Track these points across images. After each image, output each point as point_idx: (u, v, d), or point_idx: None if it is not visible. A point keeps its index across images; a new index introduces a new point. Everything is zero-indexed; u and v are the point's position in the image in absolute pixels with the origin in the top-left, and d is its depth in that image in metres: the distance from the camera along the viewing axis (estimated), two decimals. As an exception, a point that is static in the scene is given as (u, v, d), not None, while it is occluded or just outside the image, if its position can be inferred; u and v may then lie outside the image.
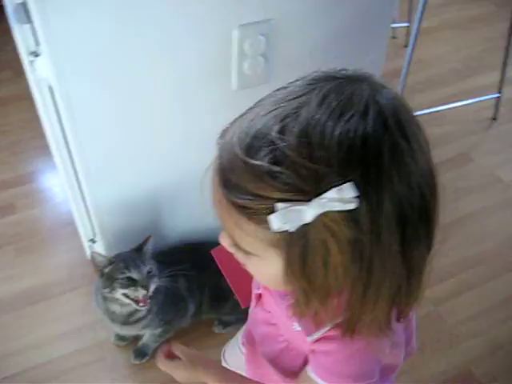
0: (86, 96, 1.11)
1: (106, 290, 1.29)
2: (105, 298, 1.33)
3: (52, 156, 1.41)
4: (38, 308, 1.66)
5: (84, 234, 1.54)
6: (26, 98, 2.36)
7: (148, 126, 1.24)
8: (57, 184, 2.08)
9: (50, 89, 1.11)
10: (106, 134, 1.21)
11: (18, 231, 1.89)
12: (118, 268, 1.27)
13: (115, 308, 1.33)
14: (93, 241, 1.54)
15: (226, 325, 1.54)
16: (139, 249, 1.32)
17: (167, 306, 1.38)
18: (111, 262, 1.29)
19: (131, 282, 1.26)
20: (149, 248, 1.33)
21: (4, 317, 1.64)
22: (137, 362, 1.51)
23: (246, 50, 1.19)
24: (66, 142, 1.23)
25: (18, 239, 1.87)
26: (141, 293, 1.26)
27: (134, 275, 1.26)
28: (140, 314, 1.34)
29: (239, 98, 1.28)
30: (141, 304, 1.27)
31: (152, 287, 1.28)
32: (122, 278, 1.26)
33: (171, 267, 1.34)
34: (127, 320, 1.35)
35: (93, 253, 1.29)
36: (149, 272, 1.28)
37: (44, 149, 2.06)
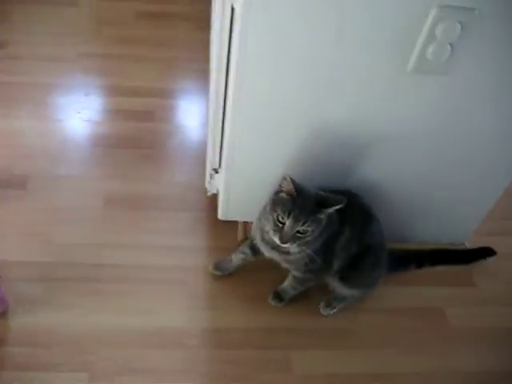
0: (265, 32, 1.11)
1: (264, 210, 1.33)
2: (262, 215, 1.36)
3: (204, 82, 1.43)
4: (144, 214, 1.74)
5: (211, 161, 1.56)
6: (193, 20, 2.49)
7: (308, 88, 1.23)
8: (199, 109, 2.14)
9: (233, 10, 1.11)
10: (269, 77, 1.21)
11: (149, 138, 1.98)
12: (281, 203, 1.24)
13: (267, 229, 1.31)
14: (216, 171, 1.56)
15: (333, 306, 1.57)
16: (321, 204, 1.24)
17: (319, 255, 1.35)
18: (288, 193, 1.24)
19: (278, 227, 1.25)
20: (328, 212, 1.25)
21: (112, 211, 1.74)
22: (272, 303, 1.56)
23: (436, 33, 1.11)
24: (227, 70, 1.24)
25: (147, 145, 1.95)
26: (276, 239, 1.25)
27: (286, 224, 1.23)
28: (287, 249, 1.33)
29: (411, 81, 1.22)
30: (282, 244, 1.25)
31: (292, 248, 1.28)
32: (276, 215, 1.25)
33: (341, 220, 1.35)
34: (277, 246, 1.31)
35: (287, 175, 1.23)
36: (300, 233, 1.24)
37: (199, 73, 2.16)
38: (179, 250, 1.66)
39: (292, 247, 1.27)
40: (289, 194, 1.24)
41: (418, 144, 1.40)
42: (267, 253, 1.40)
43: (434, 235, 1.73)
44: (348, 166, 1.46)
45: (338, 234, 1.38)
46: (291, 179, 1.23)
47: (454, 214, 1.67)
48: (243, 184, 1.50)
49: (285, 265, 1.44)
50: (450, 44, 1.13)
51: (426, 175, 1.51)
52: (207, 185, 1.66)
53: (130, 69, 2.22)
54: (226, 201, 1.56)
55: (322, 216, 1.25)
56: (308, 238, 1.26)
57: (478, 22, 1.10)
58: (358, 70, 1.20)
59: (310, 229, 1.24)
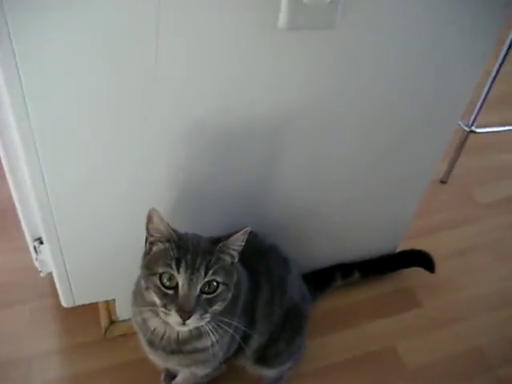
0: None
1: (137, 294, 0.88)
2: (138, 301, 0.88)
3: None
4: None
5: (29, 229, 1.05)
6: None
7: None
8: None
9: None
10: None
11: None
12: (160, 257, 0.79)
13: (154, 322, 0.85)
14: (41, 241, 1.06)
15: None
16: (216, 241, 0.82)
17: (238, 330, 0.90)
18: (164, 239, 0.81)
19: (167, 296, 0.78)
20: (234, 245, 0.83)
21: None
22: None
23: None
24: None
25: None
26: (174, 318, 0.77)
27: (180, 283, 0.77)
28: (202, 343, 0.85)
29: (287, 42, 0.80)
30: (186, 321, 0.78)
31: (198, 321, 0.79)
32: (158, 279, 0.78)
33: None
34: (177, 344, 0.86)
35: (152, 210, 0.79)
36: (207, 291, 0.79)
37: None
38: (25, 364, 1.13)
39: (202, 320, 0.78)
40: (166, 239, 0.80)
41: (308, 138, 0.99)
42: (163, 361, 0.91)
43: (362, 250, 1.34)
44: (231, 194, 1.02)
45: (254, 294, 0.93)
46: (159, 216, 0.79)
47: (378, 225, 1.29)
48: (83, 252, 1.01)
49: (192, 370, 0.95)
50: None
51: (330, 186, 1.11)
52: (36, 263, 1.14)
53: None
54: (65, 280, 1.05)
55: (227, 256, 0.82)
56: (221, 301, 0.80)
57: None
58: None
59: (219, 279, 0.79)
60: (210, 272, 0.78)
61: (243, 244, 0.82)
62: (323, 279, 1.28)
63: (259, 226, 0.97)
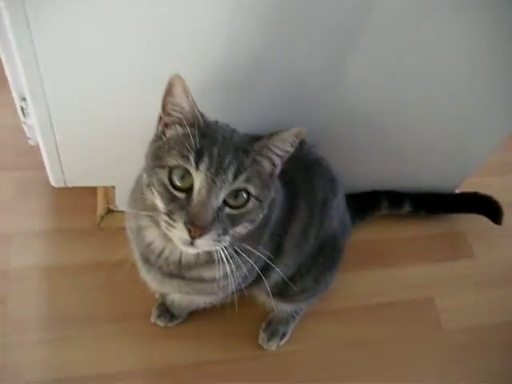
0: None
1: (136, 193, 0.66)
2: (137, 201, 0.65)
3: None
4: None
5: (15, 86, 0.82)
6: None
7: None
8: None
9: None
10: None
11: None
12: (176, 144, 0.58)
13: (151, 234, 0.65)
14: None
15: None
16: (255, 139, 0.60)
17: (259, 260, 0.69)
18: (185, 122, 0.58)
19: (176, 201, 0.57)
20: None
21: None
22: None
23: None
24: None
25: None
26: (179, 233, 0.56)
27: (196, 185, 0.56)
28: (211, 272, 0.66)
29: None
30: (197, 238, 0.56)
31: (212, 244, 0.57)
32: (168, 174, 0.57)
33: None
34: (178, 266, 0.66)
35: (175, 76, 0.56)
36: (232, 205, 0.58)
37: None
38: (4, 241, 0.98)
39: (217, 244, 0.57)
40: (188, 122, 0.58)
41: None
42: (157, 284, 0.71)
43: (417, 181, 1.10)
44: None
45: (288, 219, 0.72)
46: (183, 86, 0.56)
47: (443, 156, 1.04)
48: (77, 124, 0.79)
49: (192, 298, 0.78)
50: None
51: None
52: (25, 128, 0.93)
53: None
54: (53, 154, 0.84)
55: (267, 162, 0.60)
56: (247, 223, 0.59)
57: None
58: None
59: (251, 190, 0.58)
60: (242, 177, 0.56)
61: (291, 150, 0.59)
62: (366, 204, 1.06)
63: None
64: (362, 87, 0.81)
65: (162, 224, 0.57)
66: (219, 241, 0.56)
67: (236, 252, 0.61)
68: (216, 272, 0.62)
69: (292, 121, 0.61)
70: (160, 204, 0.57)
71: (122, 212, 1.00)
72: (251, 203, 0.58)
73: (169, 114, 0.58)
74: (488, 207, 1.10)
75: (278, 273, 0.73)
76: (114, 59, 0.68)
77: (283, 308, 0.90)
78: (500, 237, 1.15)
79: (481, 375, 0.98)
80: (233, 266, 0.60)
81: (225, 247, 0.58)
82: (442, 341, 1.02)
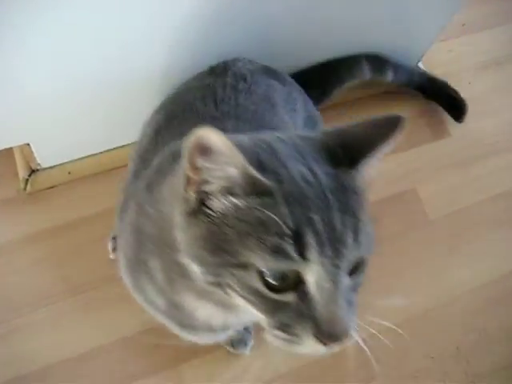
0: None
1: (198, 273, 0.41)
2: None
3: None
4: None
5: None
6: None
7: None
8: None
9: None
10: None
11: None
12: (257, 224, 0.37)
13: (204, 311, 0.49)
14: None
15: None
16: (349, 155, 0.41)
17: None
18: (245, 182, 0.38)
19: (287, 298, 0.39)
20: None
21: None
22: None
23: None
24: None
25: None
26: (310, 348, 0.38)
27: (314, 277, 0.38)
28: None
29: None
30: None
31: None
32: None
33: None
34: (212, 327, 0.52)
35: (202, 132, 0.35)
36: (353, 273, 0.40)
37: None
38: None
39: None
40: (242, 190, 0.37)
41: None
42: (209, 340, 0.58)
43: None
44: None
45: None
46: (224, 141, 0.35)
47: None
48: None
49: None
50: None
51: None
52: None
53: None
54: None
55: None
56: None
57: None
58: None
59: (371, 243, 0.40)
60: (363, 229, 0.38)
61: None
62: (346, 69, 0.91)
63: None
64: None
65: (270, 337, 0.39)
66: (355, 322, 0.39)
67: None
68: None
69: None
70: (254, 312, 0.39)
71: (49, 168, 0.86)
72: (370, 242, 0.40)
73: (205, 182, 0.38)
74: (453, 103, 1.02)
75: None
76: None
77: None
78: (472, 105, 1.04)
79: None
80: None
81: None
82: (431, 229, 0.95)
